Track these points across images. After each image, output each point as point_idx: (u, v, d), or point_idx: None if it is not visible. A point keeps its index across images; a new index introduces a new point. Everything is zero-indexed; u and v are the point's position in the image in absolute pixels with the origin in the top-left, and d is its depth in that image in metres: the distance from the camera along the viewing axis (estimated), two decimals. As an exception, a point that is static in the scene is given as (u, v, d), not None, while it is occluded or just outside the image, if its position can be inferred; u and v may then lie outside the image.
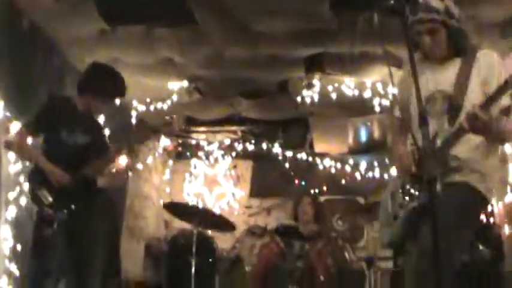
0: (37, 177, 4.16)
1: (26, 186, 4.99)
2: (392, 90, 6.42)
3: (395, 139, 3.58)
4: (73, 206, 4.07)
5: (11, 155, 4.88)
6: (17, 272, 4.82)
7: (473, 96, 3.15)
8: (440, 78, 3.29)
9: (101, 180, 4.42)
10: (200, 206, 8.42)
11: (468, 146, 3.11)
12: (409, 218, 3.23)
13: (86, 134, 4.28)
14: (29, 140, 4.36)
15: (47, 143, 4.29)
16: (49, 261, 4.16)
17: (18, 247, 4.86)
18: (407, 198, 3.25)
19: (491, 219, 6.53)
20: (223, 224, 6.14)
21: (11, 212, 4.86)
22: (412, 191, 3.22)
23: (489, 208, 6.59)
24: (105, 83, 4.38)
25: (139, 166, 8.17)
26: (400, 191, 3.31)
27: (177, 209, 6.43)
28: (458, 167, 3.11)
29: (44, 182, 4.09)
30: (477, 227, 3.23)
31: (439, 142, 3.09)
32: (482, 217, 6.54)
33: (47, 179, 4.09)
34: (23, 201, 4.99)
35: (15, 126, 4.92)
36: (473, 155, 3.14)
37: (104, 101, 4.40)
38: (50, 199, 4.06)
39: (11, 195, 4.89)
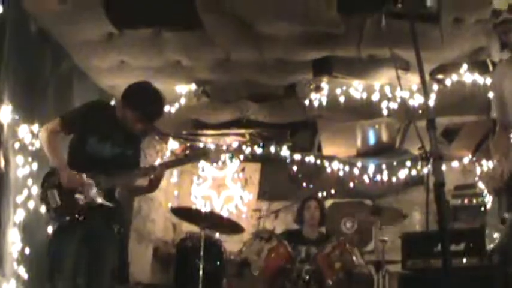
0: (51, 179, 4.17)
1: (34, 189, 5.03)
2: (401, 93, 6.42)
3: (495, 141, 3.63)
4: (77, 215, 4.10)
5: (19, 159, 4.90)
6: (25, 275, 4.84)
7: None
8: None
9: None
10: (208, 209, 8.40)
11: None
12: None
13: (116, 146, 4.32)
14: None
15: (75, 145, 4.32)
16: (58, 262, 4.21)
17: (27, 250, 4.88)
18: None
19: None
20: (232, 226, 6.15)
21: (20, 216, 4.87)
22: None
23: None
24: (150, 106, 4.38)
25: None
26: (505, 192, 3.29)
27: (185, 213, 6.46)
28: None
29: (57, 185, 4.11)
30: None
31: None
32: None
33: (59, 182, 4.10)
34: (31, 204, 5.01)
35: (24, 130, 4.95)
36: None
37: (143, 121, 4.37)
38: (58, 202, 4.08)
39: (19, 198, 4.90)
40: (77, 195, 4.08)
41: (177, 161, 4.80)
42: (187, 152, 9.11)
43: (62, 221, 4.13)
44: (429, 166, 2.80)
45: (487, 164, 7.86)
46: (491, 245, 3.48)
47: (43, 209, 5.06)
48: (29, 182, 5.02)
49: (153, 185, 4.47)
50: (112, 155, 4.29)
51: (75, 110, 4.53)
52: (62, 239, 4.16)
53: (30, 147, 5.03)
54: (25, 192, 4.96)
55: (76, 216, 4.09)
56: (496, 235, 3.42)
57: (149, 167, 4.52)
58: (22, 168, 4.95)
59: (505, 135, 3.53)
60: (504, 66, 3.55)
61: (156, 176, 4.40)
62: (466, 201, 7.67)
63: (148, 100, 4.38)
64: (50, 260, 4.20)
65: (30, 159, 5.03)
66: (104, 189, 4.19)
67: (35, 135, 5.05)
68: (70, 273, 4.10)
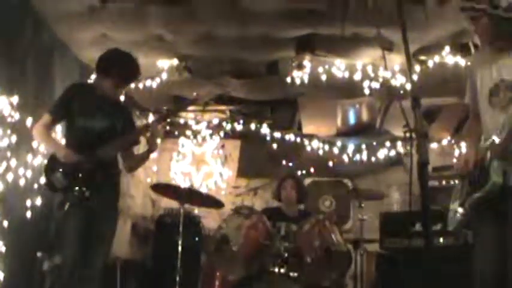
0: (52, 164, 4.31)
1: (13, 162, 4.99)
2: (383, 73, 6.42)
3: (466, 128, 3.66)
4: (84, 188, 4.19)
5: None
6: (3, 248, 4.80)
7: None
8: (503, 68, 3.29)
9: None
10: (187, 186, 8.38)
11: None
12: (472, 208, 3.27)
13: (105, 118, 4.41)
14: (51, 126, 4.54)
15: (68, 129, 4.47)
16: (63, 238, 4.32)
17: (5, 223, 4.83)
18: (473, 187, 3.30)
19: None
20: (211, 201, 6.16)
21: (-2, 188, 4.82)
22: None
23: None
24: (125, 68, 4.49)
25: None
26: (468, 179, 3.36)
27: (164, 189, 6.45)
28: None
29: (58, 168, 4.25)
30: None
31: (504, 134, 3.12)
32: None
33: (60, 165, 4.24)
34: (10, 177, 4.95)
35: (3, 102, 4.88)
36: None
37: (120, 85, 4.53)
38: (64, 183, 4.22)
39: (-2, 170, 4.85)
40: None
41: (169, 113, 4.84)
42: (168, 127, 9.07)
43: (71, 198, 4.23)
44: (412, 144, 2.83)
45: (465, 146, 7.91)
46: (451, 228, 3.56)
47: (22, 181, 5.06)
48: (8, 154, 4.96)
49: (151, 145, 4.48)
50: (103, 129, 4.38)
51: (57, 98, 4.61)
52: (70, 216, 4.25)
53: (9, 119, 4.96)
54: (4, 164, 4.90)
55: (82, 189, 4.20)
56: (456, 218, 3.49)
57: (142, 126, 4.53)
58: (1, 140, 4.88)
59: (476, 123, 3.57)
60: (477, 55, 3.56)
61: (152, 134, 4.43)
62: (443, 182, 7.73)
63: (118, 62, 4.48)
64: (59, 235, 4.42)
65: (9, 131, 4.96)
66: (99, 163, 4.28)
67: (14, 107, 4.99)
68: (73, 248, 4.21)
